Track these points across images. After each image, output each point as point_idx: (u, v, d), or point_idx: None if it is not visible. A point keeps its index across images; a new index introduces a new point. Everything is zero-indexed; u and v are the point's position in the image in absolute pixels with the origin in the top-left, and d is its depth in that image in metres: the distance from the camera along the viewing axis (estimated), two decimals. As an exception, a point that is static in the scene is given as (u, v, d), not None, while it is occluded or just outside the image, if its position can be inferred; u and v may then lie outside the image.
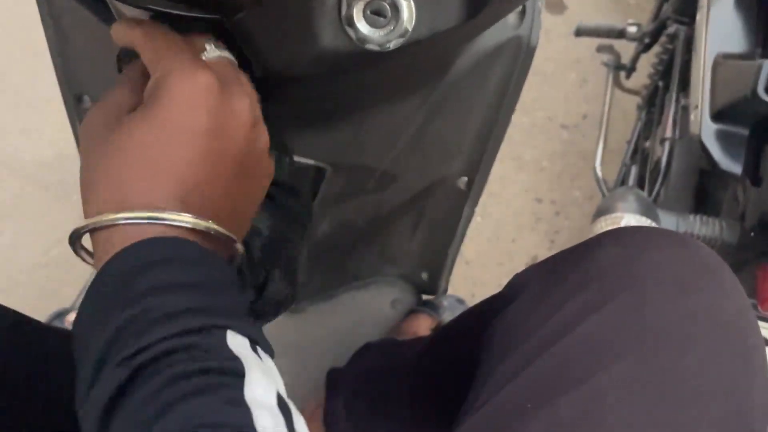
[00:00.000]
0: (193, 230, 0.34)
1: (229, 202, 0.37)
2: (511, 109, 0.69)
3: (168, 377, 0.29)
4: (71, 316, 0.87)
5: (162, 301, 0.31)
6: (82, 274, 1.15)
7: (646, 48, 1.37)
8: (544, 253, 1.46)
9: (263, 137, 0.40)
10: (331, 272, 0.89)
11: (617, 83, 1.45)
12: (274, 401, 0.30)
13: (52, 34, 0.70)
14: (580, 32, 1.41)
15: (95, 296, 0.33)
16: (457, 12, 0.45)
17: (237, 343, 0.31)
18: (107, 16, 0.46)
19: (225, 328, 0.31)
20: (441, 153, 0.70)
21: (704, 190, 1.00)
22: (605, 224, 0.85)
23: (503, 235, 1.46)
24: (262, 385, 0.30)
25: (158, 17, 0.41)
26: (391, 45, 0.44)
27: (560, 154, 1.61)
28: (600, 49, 1.47)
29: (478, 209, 0.81)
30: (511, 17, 0.62)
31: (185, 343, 0.30)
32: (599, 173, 1.23)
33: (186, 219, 0.34)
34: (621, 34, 1.37)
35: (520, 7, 0.61)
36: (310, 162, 0.67)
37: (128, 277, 0.32)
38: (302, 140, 0.64)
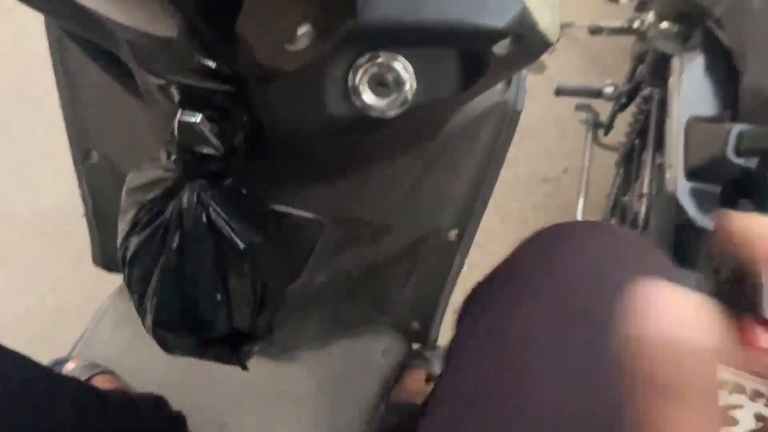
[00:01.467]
0: None
1: None
2: (498, 166, 0.73)
3: None
4: (70, 365, 0.88)
5: None
6: (76, 322, 1.16)
7: (623, 107, 1.44)
8: (528, 303, 1.49)
9: None
10: (325, 320, 0.92)
11: (596, 140, 1.51)
12: None
13: (65, 91, 0.73)
14: (559, 92, 1.47)
15: None
16: (453, 84, 0.49)
17: None
18: (132, 87, 0.50)
19: None
20: (434, 206, 0.74)
21: (681, 243, 1.05)
22: (588, 276, 0.89)
23: (489, 285, 1.49)
24: None
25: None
26: (393, 112, 0.48)
27: (543, 206, 1.66)
28: (579, 107, 1.54)
29: (464, 260, 0.85)
30: (499, 84, 0.67)
31: None
32: (581, 226, 1.28)
33: None
34: (598, 93, 1.44)
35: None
36: (310, 215, 0.70)
37: None
38: (303, 195, 0.68)
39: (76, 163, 0.79)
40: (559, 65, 1.97)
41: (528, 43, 0.45)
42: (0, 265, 1.38)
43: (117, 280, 0.98)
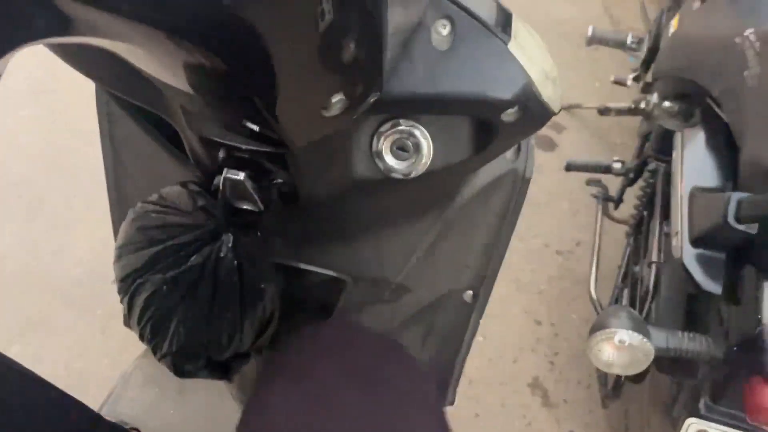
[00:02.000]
0: None
1: None
2: (510, 230, 0.78)
3: None
4: (100, 420, 0.91)
5: None
6: (102, 386, 1.19)
7: (631, 182, 1.50)
8: (544, 374, 1.49)
9: None
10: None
11: (606, 213, 1.57)
12: None
13: (111, 160, 0.79)
14: (570, 167, 1.54)
15: None
16: (466, 149, 0.55)
17: None
18: (176, 153, 0.56)
19: None
20: (450, 268, 0.78)
21: (693, 308, 1.07)
22: (600, 339, 0.91)
23: (505, 355, 1.51)
24: None
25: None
26: (413, 174, 0.54)
27: (557, 278, 1.69)
28: (589, 182, 1.60)
29: (480, 329, 0.88)
30: (509, 153, 0.72)
31: None
32: (594, 295, 1.31)
33: None
34: (607, 169, 1.51)
35: (516, 144, 0.72)
36: (333, 273, 0.75)
37: None
38: (328, 254, 0.73)
39: (116, 230, 0.84)
40: (570, 143, 2.05)
41: (532, 112, 0.51)
42: (32, 332, 1.43)
43: (142, 344, 1.02)
